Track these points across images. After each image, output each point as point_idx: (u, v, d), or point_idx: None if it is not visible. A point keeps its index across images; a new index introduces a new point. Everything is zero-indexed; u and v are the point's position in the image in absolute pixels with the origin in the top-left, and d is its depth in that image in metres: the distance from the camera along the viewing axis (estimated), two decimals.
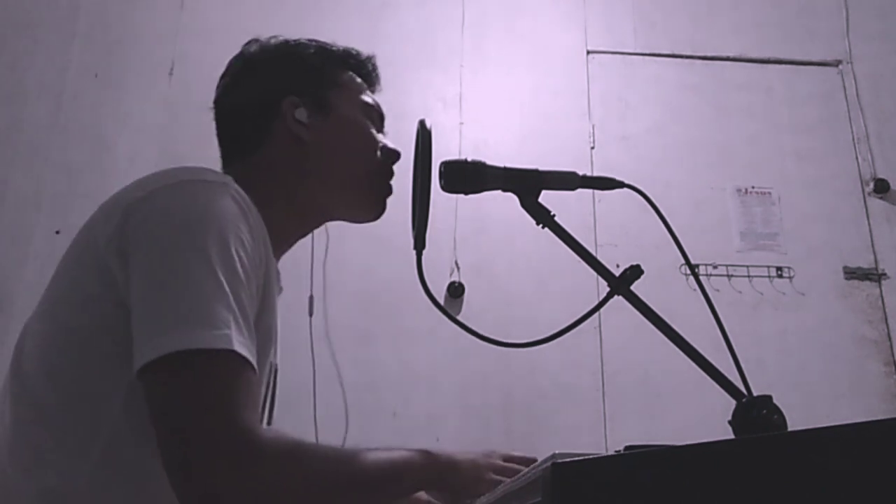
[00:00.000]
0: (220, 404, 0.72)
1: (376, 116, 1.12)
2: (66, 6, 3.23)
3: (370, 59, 1.15)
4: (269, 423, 1.01)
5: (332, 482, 0.80)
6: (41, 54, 3.15)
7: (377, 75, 1.15)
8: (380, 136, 1.11)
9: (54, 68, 3.13)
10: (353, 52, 1.13)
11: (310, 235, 1.14)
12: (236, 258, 0.80)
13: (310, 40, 1.12)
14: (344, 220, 1.11)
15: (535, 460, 1.01)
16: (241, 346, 0.75)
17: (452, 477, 0.93)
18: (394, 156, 1.10)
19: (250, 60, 1.10)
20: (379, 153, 1.09)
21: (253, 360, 0.77)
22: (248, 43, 1.13)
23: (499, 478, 0.96)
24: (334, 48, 1.12)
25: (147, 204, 0.82)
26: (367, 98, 1.11)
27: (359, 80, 1.12)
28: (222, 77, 1.12)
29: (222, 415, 0.72)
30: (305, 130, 1.04)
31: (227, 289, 0.77)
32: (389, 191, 1.10)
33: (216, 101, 1.10)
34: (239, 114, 1.07)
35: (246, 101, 1.07)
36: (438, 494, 1.01)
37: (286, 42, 1.12)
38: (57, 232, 2.82)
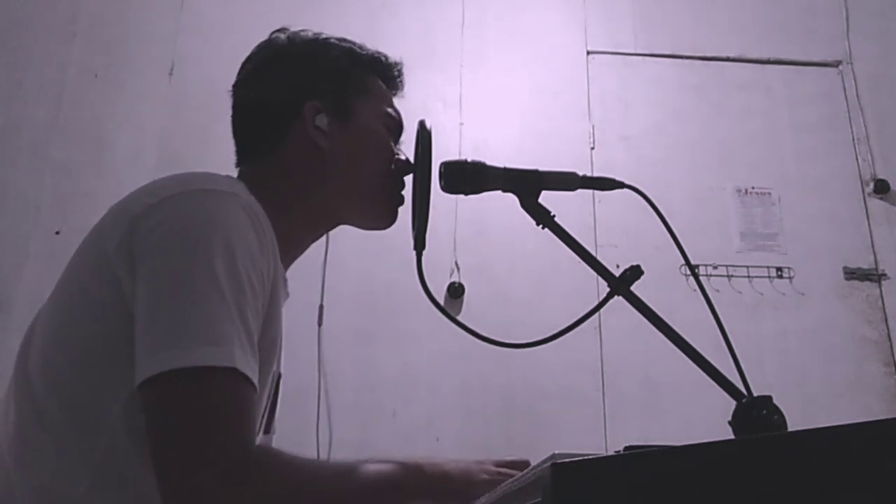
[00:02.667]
0: (216, 423, 0.72)
1: (395, 127, 1.11)
2: (65, 6, 3.23)
3: (397, 64, 1.14)
4: (267, 430, 1.00)
5: (325, 500, 0.80)
6: (41, 54, 3.15)
7: (402, 81, 1.14)
8: (395, 148, 1.10)
9: (54, 68, 3.13)
10: (382, 58, 1.12)
11: (323, 243, 1.14)
12: (243, 273, 0.79)
13: (339, 40, 1.11)
14: (355, 225, 1.11)
15: (528, 463, 1.00)
16: (243, 363, 0.75)
17: (443, 485, 0.92)
18: (407, 168, 1.09)
19: (277, 54, 1.08)
20: (393, 165, 1.08)
21: (254, 377, 0.77)
22: (277, 31, 1.11)
23: (492, 477, 0.94)
24: (363, 52, 1.11)
25: (157, 212, 0.82)
26: (390, 109, 1.10)
27: (384, 87, 1.12)
28: (245, 63, 1.10)
29: (218, 433, 0.72)
30: (324, 137, 1.03)
31: (232, 305, 0.77)
32: (401, 201, 1.09)
33: (235, 86, 1.09)
34: (258, 109, 1.06)
35: (267, 97, 1.06)
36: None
37: (315, 39, 1.10)
38: (57, 232, 2.82)
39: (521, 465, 1.01)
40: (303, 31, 1.11)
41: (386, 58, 1.13)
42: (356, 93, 1.07)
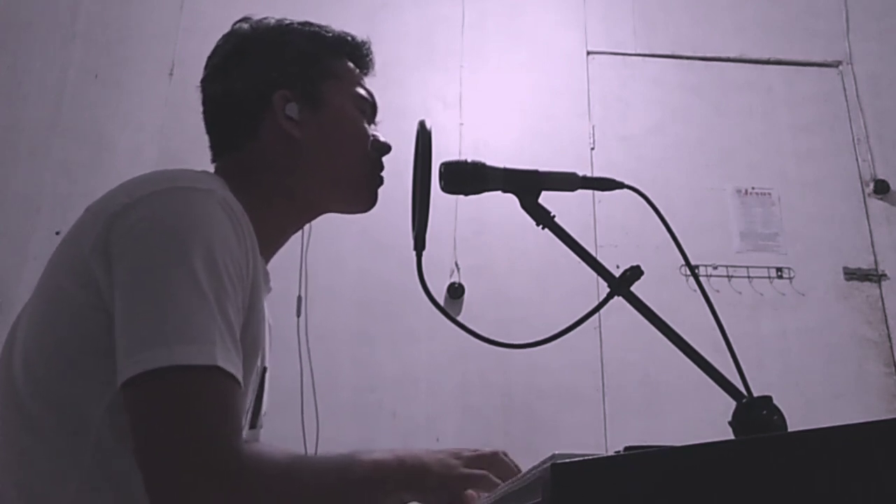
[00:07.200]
0: (200, 421, 0.72)
1: (369, 108, 1.09)
2: (66, 6, 3.23)
3: (365, 43, 1.11)
4: (253, 425, 0.99)
5: (310, 497, 0.80)
6: (41, 54, 3.15)
7: (371, 60, 1.12)
8: (371, 129, 1.09)
9: (54, 68, 3.13)
10: (348, 39, 1.10)
11: (301, 235, 1.12)
12: (222, 269, 0.78)
13: (303, 24, 1.09)
14: (337, 212, 1.10)
15: (496, 455, 0.98)
16: (226, 360, 0.74)
17: (422, 478, 0.89)
18: (384, 149, 1.08)
19: (241, 45, 1.07)
20: (369, 146, 1.07)
21: (238, 374, 0.76)
22: (239, 21, 1.09)
23: (471, 471, 0.92)
24: (328, 34, 1.09)
25: (132, 211, 0.81)
26: (361, 90, 1.08)
27: (353, 67, 1.09)
28: (211, 56, 1.08)
29: (202, 432, 0.72)
30: (296, 127, 1.02)
31: (213, 302, 0.76)
32: (380, 182, 1.08)
33: (203, 82, 1.07)
34: (228, 103, 1.04)
35: (235, 89, 1.04)
36: (413, 497, 0.98)
37: (279, 26, 1.08)
38: (57, 232, 2.82)
39: (492, 458, 0.96)
40: (265, 18, 1.09)
41: (353, 38, 1.10)
42: (324, 77, 1.05)
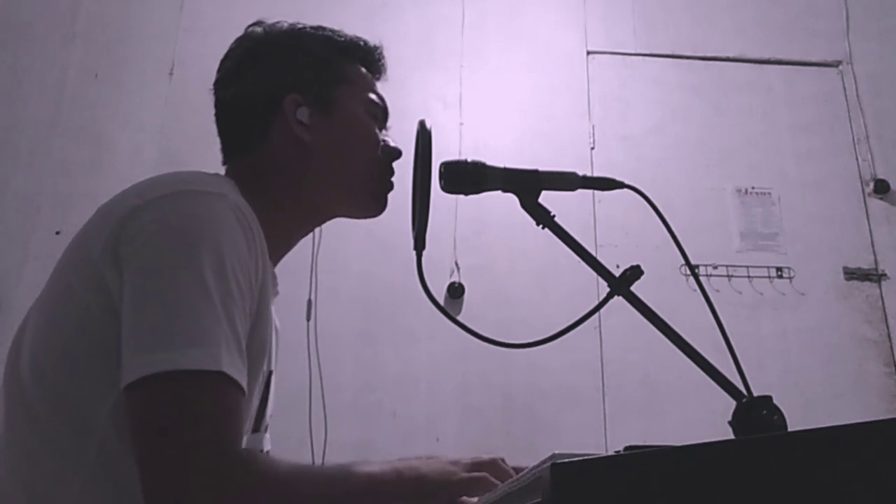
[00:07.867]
0: (203, 426, 0.72)
1: (380, 113, 1.10)
2: (65, 6, 3.23)
3: (377, 48, 1.12)
4: (257, 428, 0.99)
5: None
6: (41, 54, 3.15)
7: (383, 65, 1.13)
8: (382, 134, 1.09)
9: (54, 68, 3.13)
10: (361, 43, 1.11)
11: (312, 239, 1.13)
12: (230, 275, 0.78)
13: (316, 28, 1.09)
14: (346, 216, 1.10)
15: (494, 462, 0.97)
16: (230, 366, 0.74)
17: (420, 489, 0.89)
18: (395, 154, 1.08)
19: (254, 48, 1.07)
20: (380, 152, 1.07)
21: (242, 380, 0.76)
22: (253, 25, 1.10)
23: (470, 475, 0.92)
24: (341, 39, 1.09)
25: (143, 214, 0.81)
26: (373, 95, 1.09)
27: (365, 72, 1.10)
28: (224, 60, 1.09)
29: (205, 436, 0.72)
30: (307, 131, 1.02)
31: (219, 307, 0.76)
32: (390, 187, 1.08)
33: (216, 85, 1.08)
34: (240, 106, 1.05)
35: (247, 92, 1.04)
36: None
37: (292, 30, 1.09)
38: (57, 232, 2.82)
39: (490, 465, 0.96)
40: (278, 22, 1.09)
41: (365, 42, 1.11)
42: (336, 82, 1.06)
